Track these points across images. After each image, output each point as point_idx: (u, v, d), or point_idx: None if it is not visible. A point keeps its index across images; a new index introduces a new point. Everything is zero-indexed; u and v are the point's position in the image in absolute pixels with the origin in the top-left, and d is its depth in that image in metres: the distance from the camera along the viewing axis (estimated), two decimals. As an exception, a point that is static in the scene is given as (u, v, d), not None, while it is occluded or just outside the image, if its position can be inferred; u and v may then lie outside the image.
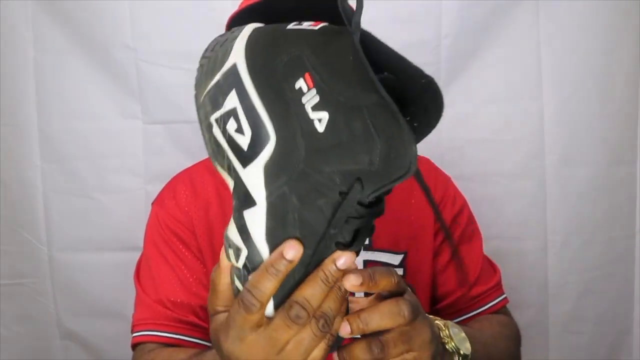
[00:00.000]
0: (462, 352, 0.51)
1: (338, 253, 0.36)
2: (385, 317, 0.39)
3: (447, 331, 0.51)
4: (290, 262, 0.35)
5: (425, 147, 1.16)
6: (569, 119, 1.07)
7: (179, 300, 0.69)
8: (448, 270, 0.77)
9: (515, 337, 0.78)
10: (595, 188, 1.09)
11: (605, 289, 1.12)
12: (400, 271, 0.74)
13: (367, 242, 0.71)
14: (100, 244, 1.12)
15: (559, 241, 1.10)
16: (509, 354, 0.72)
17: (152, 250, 0.74)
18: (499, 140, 1.08)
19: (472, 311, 0.76)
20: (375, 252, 0.73)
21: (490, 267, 0.81)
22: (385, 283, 0.40)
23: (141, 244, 1.09)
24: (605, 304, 1.12)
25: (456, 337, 0.51)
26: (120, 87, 1.09)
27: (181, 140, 1.10)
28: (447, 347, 0.50)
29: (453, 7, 1.05)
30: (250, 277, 0.37)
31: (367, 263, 0.73)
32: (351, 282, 0.37)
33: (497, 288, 0.79)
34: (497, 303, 0.78)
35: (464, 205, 0.81)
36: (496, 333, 0.72)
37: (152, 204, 0.77)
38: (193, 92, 1.14)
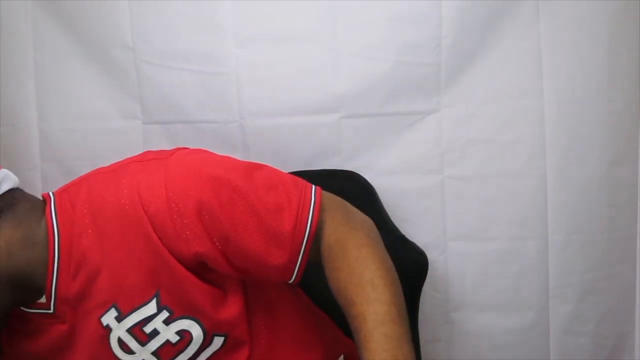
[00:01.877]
0: None
1: None
2: None
3: None
4: None
5: (425, 147, 1.16)
6: (569, 119, 1.07)
7: None
8: (262, 268, 0.67)
9: (378, 263, 0.65)
10: (596, 188, 1.08)
11: (607, 290, 1.11)
12: (164, 315, 0.66)
13: (115, 315, 0.66)
14: (100, 244, 1.12)
15: (559, 241, 1.09)
16: (394, 289, 0.63)
17: None
18: (499, 140, 1.08)
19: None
20: (128, 318, 0.66)
21: (277, 210, 0.65)
22: None
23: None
24: (606, 305, 1.12)
25: None
26: (120, 87, 1.09)
27: (181, 141, 1.10)
28: None
29: (453, 7, 1.05)
30: None
31: (131, 329, 0.66)
32: None
33: (298, 220, 0.65)
34: (310, 226, 0.65)
35: (203, 200, 0.63)
36: (379, 312, 0.61)
37: None
38: (193, 92, 1.14)
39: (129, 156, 1.11)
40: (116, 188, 0.65)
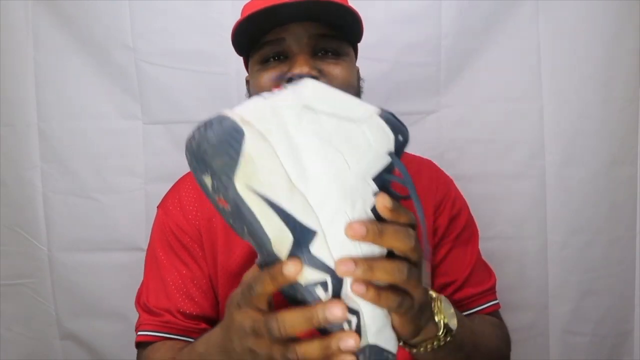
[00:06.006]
0: (449, 326, 0.51)
1: (332, 302, 0.38)
2: (386, 271, 0.39)
3: (439, 304, 0.51)
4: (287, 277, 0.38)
5: (426, 147, 1.16)
6: (569, 119, 1.07)
7: (164, 307, 0.71)
8: (436, 271, 0.75)
9: (506, 340, 0.75)
10: (595, 188, 1.09)
11: (606, 290, 1.12)
12: None
13: None
14: (100, 244, 1.12)
15: (559, 241, 1.10)
16: (499, 353, 0.71)
17: (153, 255, 0.75)
18: (499, 140, 1.08)
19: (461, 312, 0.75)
20: None
21: (484, 272, 0.79)
22: (395, 243, 0.39)
23: (141, 244, 1.10)
24: (605, 304, 1.12)
25: (446, 311, 0.51)
26: (120, 87, 1.09)
27: (181, 141, 1.09)
28: (435, 318, 0.50)
29: (453, 7, 1.05)
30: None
31: None
32: (355, 230, 0.37)
33: (489, 293, 0.77)
34: (487, 307, 0.75)
35: (463, 207, 0.79)
36: (487, 329, 0.70)
37: (158, 207, 0.78)
38: (193, 92, 1.13)
39: (128, 156, 1.12)
40: None
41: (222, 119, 0.36)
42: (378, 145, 0.39)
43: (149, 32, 1.07)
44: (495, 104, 1.07)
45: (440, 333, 0.50)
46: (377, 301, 0.39)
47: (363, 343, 0.39)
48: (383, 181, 0.39)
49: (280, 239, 0.37)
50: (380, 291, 0.39)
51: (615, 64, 1.05)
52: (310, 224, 0.37)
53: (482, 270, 0.78)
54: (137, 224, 1.10)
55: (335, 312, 0.37)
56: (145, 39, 1.07)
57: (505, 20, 1.05)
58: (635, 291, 1.13)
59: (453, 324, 0.52)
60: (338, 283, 0.38)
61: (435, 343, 0.50)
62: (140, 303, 0.73)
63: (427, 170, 0.81)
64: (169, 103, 1.09)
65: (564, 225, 1.09)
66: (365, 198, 0.38)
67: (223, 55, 1.07)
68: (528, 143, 1.08)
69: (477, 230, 0.82)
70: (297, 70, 0.63)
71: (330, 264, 0.38)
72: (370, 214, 0.39)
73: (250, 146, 0.35)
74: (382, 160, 0.39)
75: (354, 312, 0.39)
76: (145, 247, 1.09)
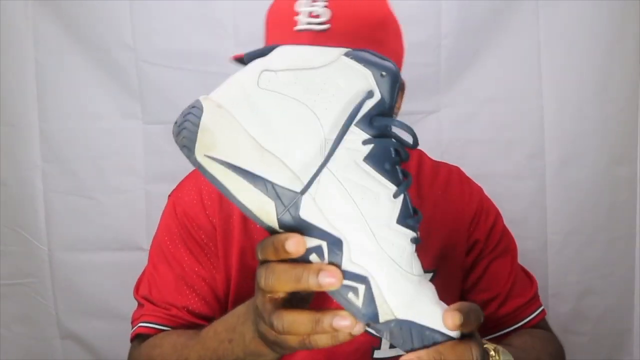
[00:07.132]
0: None
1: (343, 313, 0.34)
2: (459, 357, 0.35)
3: (497, 357, 0.49)
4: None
5: (425, 147, 1.16)
6: (569, 119, 1.07)
7: (169, 301, 0.65)
8: (476, 288, 0.72)
9: (560, 354, 0.71)
10: (595, 188, 1.09)
11: (606, 289, 1.12)
12: None
13: None
14: (101, 244, 1.12)
15: (559, 241, 1.10)
16: None
17: (161, 246, 0.69)
18: (499, 140, 1.08)
19: (509, 327, 0.70)
20: None
21: (526, 280, 0.74)
22: (474, 326, 0.36)
23: (141, 244, 1.10)
24: (605, 304, 1.12)
25: None
26: (121, 87, 1.09)
27: (181, 140, 1.10)
28: None
29: (453, 7, 1.05)
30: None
31: None
32: (451, 322, 0.34)
33: (533, 301, 0.73)
34: (534, 317, 0.72)
35: (497, 216, 0.75)
36: (540, 352, 0.67)
37: (170, 196, 0.72)
38: (193, 92, 1.12)
39: (129, 156, 1.12)
40: None
41: (193, 103, 0.38)
42: (350, 86, 0.35)
43: (149, 32, 1.07)
44: (495, 104, 1.08)
45: None
46: None
47: (385, 317, 0.34)
48: (379, 126, 0.35)
49: (261, 208, 0.34)
50: None
51: (615, 64, 1.05)
52: (291, 185, 0.34)
53: (523, 277, 0.74)
54: (137, 224, 1.11)
55: (328, 276, 0.33)
56: (145, 39, 1.07)
57: (505, 20, 1.05)
58: (635, 291, 1.13)
59: None
60: (336, 248, 0.34)
61: None
62: (141, 293, 0.67)
63: (457, 181, 0.76)
64: (169, 103, 1.09)
65: (563, 225, 1.09)
66: (350, 147, 0.35)
67: (223, 55, 1.07)
68: (528, 143, 1.08)
69: (512, 237, 0.78)
70: None
71: (325, 226, 0.34)
72: (364, 165, 0.35)
73: (207, 119, 0.36)
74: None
75: (361, 278, 0.33)
76: (146, 246, 1.09)
